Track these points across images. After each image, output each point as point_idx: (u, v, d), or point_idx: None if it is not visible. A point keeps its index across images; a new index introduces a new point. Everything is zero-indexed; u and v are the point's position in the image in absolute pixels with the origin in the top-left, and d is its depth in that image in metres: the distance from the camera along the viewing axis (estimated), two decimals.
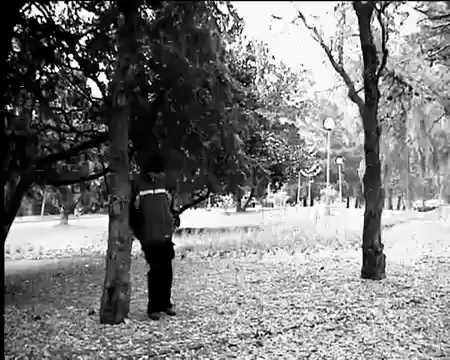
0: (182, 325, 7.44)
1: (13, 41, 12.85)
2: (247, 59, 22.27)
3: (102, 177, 19.27)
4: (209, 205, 61.00)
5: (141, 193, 8.15)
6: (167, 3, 11.54)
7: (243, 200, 59.03)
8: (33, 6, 12.33)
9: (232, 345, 6.38)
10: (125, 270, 8.03)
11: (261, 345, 6.38)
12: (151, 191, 8.17)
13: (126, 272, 8.06)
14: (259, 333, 6.87)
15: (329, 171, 47.58)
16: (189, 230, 28.43)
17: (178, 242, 21.70)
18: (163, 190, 8.27)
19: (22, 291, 12.25)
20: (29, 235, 30.87)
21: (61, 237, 31.37)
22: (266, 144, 27.75)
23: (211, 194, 35.79)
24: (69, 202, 38.66)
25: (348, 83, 13.39)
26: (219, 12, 12.91)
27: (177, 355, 6.10)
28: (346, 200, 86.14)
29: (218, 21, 13.07)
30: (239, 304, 8.94)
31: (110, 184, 8.65)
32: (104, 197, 23.67)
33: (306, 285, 10.62)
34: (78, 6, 12.77)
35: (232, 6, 13.21)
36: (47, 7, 12.46)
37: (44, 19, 12.44)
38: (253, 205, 65.43)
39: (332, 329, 7.02)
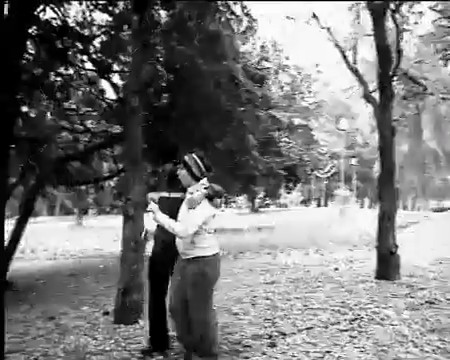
0: None
1: (28, 43, 12.93)
2: (261, 60, 22.26)
3: (116, 178, 19.35)
4: (223, 206, 61.01)
5: (160, 194, 6.45)
6: (180, 4, 11.57)
7: (257, 201, 58.96)
8: (48, 8, 12.41)
9: (246, 346, 6.38)
10: (139, 271, 8.05)
11: (275, 346, 6.37)
12: (167, 194, 6.35)
13: (140, 273, 8.08)
14: (273, 334, 6.87)
15: (343, 172, 47.44)
16: None
17: None
18: (180, 194, 6.08)
19: (37, 291, 12.31)
20: (44, 236, 31.01)
21: (75, 238, 31.48)
22: (280, 145, 27.75)
23: (225, 194, 35.82)
24: (83, 203, 38.76)
25: (362, 83, 13.34)
26: (233, 13, 12.93)
27: None
28: (360, 201, 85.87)
29: (231, 22, 13.09)
30: (253, 305, 8.93)
31: (124, 185, 8.64)
32: (118, 198, 23.73)
33: (320, 286, 10.59)
34: (92, 8, 12.84)
35: (246, 7, 13.21)
36: (61, 9, 12.54)
37: (58, 21, 12.51)
38: (267, 206, 65.38)
39: (346, 330, 7.00)
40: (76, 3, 12.94)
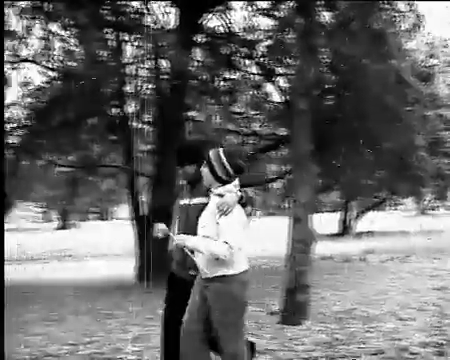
0: (362, 330, 7.35)
1: (195, 50, 13.48)
2: (428, 57, 21.52)
3: (283, 180, 19.51)
4: (390, 208, 59.48)
5: (180, 202, 5.40)
6: (344, 4, 11.48)
7: (425, 203, 56.86)
8: (213, 16, 12.88)
9: (413, 353, 6.20)
10: (305, 272, 8.10)
11: (443, 355, 6.15)
12: (187, 201, 5.24)
13: (306, 274, 8.12)
14: (442, 342, 6.63)
15: None
16: (370, 233, 28.02)
17: (358, 245, 21.48)
18: (205, 199, 4.90)
19: None
20: None
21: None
22: (448, 145, 26.64)
23: (392, 196, 35.03)
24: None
25: None
26: (397, 10, 12.62)
27: None
28: None
29: (396, 19, 12.79)
30: (420, 311, 8.68)
31: (291, 187, 8.72)
32: (284, 200, 23.89)
33: None
34: (256, 13, 13.09)
35: (411, 4, 12.84)
36: (226, 16, 12.92)
37: (223, 28, 12.91)
38: (435, 208, 62.97)
39: None
40: (240, 9, 13.27)
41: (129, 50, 14.00)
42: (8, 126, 15.09)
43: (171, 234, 4.83)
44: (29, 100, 15.12)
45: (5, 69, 14.56)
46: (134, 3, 13.26)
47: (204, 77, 13.75)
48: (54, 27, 13.61)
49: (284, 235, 8.76)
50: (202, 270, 4.39)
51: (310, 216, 8.25)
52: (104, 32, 13.15)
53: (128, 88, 14.35)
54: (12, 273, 17.42)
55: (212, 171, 4.43)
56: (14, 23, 13.78)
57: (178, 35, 12.57)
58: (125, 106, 14.25)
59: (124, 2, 13.07)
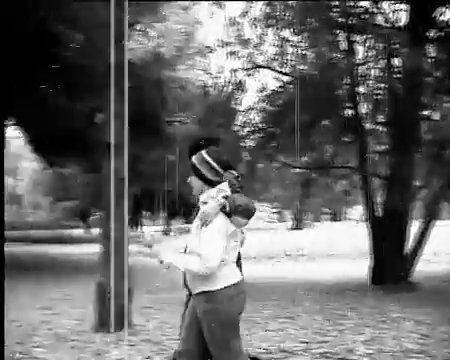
0: None
1: (429, 47, 13.13)
2: None
3: None
4: None
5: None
6: None
7: None
8: (446, 9, 12.49)
9: None
10: None
11: None
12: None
13: None
14: None
15: None
16: None
17: None
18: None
19: (441, 294, 12.34)
20: (448, 239, 30.76)
21: None
22: None
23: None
24: None
25: None
26: None
27: None
28: None
29: None
30: None
31: None
32: None
33: None
34: None
35: None
36: None
37: None
38: None
39: None
40: None
41: (361, 50, 14.01)
42: (245, 130, 15.86)
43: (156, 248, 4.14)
44: (264, 104, 15.70)
45: (241, 76, 15.44)
46: (364, 3, 13.26)
47: (439, 74, 13.34)
48: (286, 33, 14.08)
49: None
50: (189, 285, 4.09)
51: None
52: (335, 34, 13.30)
53: (361, 89, 14.34)
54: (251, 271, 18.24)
55: (200, 176, 4.01)
56: (248, 32, 14.53)
57: (410, 32, 12.36)
58: (358, 107, 14.24)
59: (354, 3, 13.10)
